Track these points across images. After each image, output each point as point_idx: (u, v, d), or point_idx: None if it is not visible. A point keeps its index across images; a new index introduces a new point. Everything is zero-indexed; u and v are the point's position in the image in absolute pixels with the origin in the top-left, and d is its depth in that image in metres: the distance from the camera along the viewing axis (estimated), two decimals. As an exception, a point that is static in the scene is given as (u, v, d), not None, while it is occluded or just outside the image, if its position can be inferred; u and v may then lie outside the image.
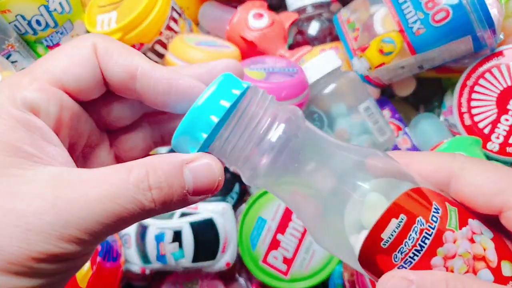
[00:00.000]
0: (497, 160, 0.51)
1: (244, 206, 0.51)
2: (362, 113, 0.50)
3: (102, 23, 0.53)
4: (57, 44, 0.55)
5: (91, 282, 0.43)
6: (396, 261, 0.23)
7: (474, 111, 0.53)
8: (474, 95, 0.53)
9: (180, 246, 0.47)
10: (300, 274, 0.49)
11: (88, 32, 0.56)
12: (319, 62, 0.50)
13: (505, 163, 0.53)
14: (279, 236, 0.49)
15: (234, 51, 0.53)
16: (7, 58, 0.52)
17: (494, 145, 0.52)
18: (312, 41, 0.59)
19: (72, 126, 0.24)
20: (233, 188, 0.53)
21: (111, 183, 0.20)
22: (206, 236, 0.46)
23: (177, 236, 0.47)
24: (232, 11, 0.58)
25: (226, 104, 0.22)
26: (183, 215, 0.48)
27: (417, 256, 0.23)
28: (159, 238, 0.47)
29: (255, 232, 0.49)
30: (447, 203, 0.25)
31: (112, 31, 0.51)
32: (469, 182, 0.25)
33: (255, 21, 0.55)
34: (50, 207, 0.19)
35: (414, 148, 0.57)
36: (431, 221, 0.23)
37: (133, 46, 0.53)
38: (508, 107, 0.51)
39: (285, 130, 0.23)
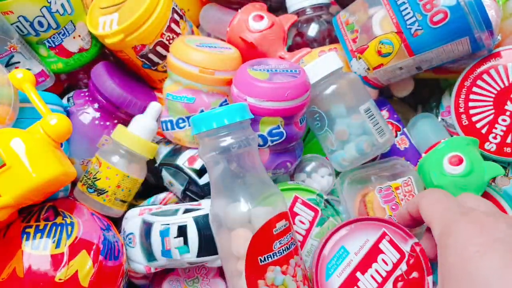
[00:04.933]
0: (494, 160, 0.52)
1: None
2: (363, 114, 0.50)
3: (104, 25, 0.53)
4: (59, 46, 0.55)
5: (93, 281, 0.44)
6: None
7: (471, 111, 0.54)
8: (471, 96, 0.54)
9: (185, 240, 0.47)
10: None
11: (90, 33, 0.56)
12: (321, 63, 0.51)
13: (503, 162, 0.53)
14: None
15: (234, 52, 0.54)
16: (10, 59, 0.52)
17: (491, 145, 0.53)
18: (311, 43, 0.60)
19: None
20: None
21: None
22: (210, 231, 0.46)
23: (182, 231, 0.47)
24: (233, 13, 0.58)
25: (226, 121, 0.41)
26: (186, 211, 0.48)
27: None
28: (164, 233, 0.47)
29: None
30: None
31: (114, 32, 0.52)
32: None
33: (255, 23, 0.56)
34: None
35: (412, 148, 0.58)
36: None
37: (135, 47, 0.53)
38: (506, 107, 0.52)
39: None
